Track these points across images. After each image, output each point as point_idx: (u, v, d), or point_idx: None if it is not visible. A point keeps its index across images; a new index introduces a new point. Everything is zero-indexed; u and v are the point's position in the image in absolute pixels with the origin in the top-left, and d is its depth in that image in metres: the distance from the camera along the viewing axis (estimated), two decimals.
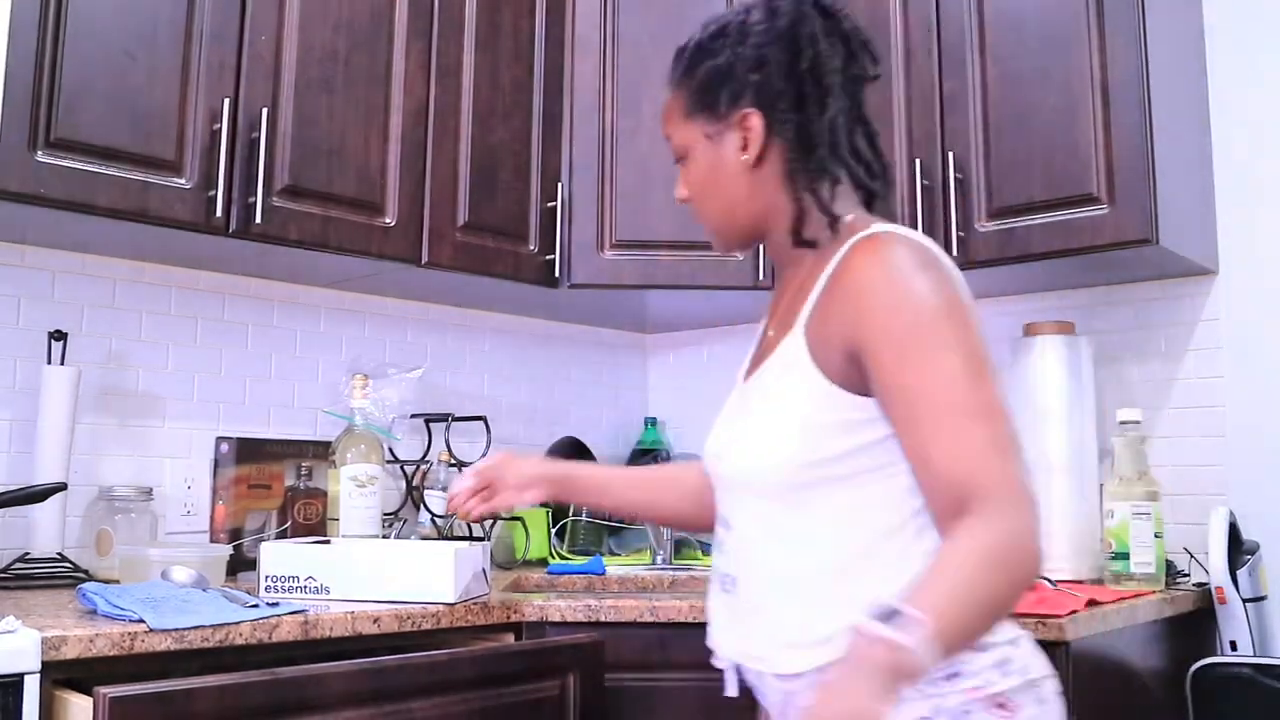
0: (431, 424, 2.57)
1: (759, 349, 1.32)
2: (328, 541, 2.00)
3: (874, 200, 1.31)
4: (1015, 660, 1.15)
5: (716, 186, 1.30)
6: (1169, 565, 2.06)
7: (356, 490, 2.16)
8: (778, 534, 1.20)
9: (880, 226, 1.22)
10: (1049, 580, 1.94)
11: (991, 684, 1.12)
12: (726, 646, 1.28)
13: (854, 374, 1.16)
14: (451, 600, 1.75)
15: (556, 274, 2.44)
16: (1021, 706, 1.14)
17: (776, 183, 1.27)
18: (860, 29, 1.30)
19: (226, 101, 1.95)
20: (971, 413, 1.09)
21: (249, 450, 2.26)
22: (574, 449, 2.89)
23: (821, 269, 1.22)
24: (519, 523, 2.59)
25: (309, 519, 2.20)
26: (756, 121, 1.26)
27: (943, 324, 1.13)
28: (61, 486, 1.80)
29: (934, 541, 1.13)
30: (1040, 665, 1.18)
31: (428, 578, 1.76)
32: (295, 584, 1.76)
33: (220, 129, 1.93)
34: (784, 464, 1.18)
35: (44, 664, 1.34)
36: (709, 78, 1.28)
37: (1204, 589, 2.05)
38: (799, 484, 1.18)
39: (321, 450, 2.29)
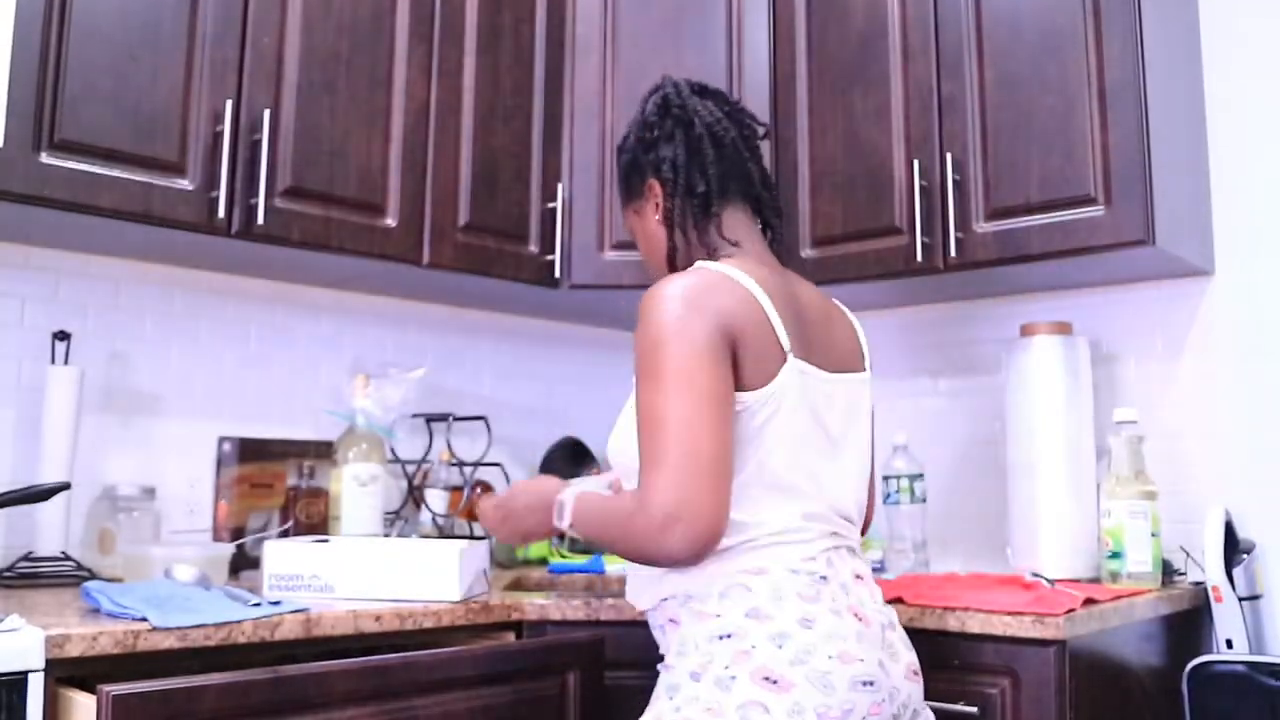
0: (432, 424, 2.58)
1: None
2: (328, 540, 2.01)
3: (770, 229, 1.65)
4: (797, 639, 1.34)
5: (650, 248, 1.65)
6: (1165, 564, 2.07)
7: (358, 489, 2.17)
8: None
9: (701, 263, 1.51)
10: (1046, 579, 1.95)
11: (761, 653, 1.33)
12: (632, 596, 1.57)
13: None
14: (456, 599, 1.76)
15: (557, 274, 2.45)
16: (794, 685, 1.31)
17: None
18: (737, 101, 1.67)
19: (229, 103, 1.96)
20: (654, 427, 1.38)
21: (251, 449, 2.27)
22: (574, 449, 2.90)
23: None
24: None
25: (311, 518, 2.21)
26: (657, 187, 1.61)
27: (658, 352, 1.39)
28: (65, 486, 1.81)
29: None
30: (834, 651, 1.35)
31: (433, 576, 1.77)
32: (299, 582, 1.77)
33: (222, 130, 1.95)
34: (623, 447, 1.52)
35: (48, 662, 1.35)
36: (625, 172, 1.66)
37: (1200, 587, 2.06)
38: (627, 463, 1.47)
39: (323, 450, 2.30)
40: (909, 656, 1.48)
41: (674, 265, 1.59)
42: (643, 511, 1.34)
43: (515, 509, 1.61)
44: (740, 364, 1.41)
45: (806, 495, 1.46)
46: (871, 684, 1.36)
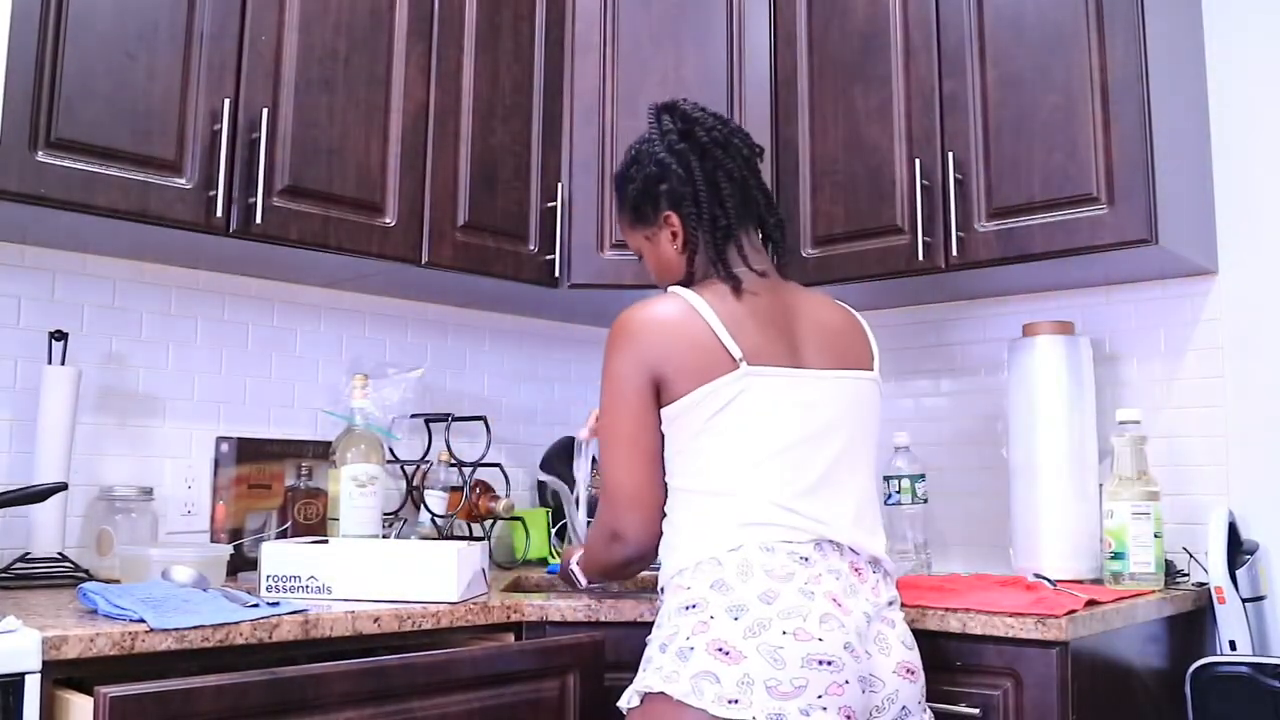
0: (431, 424, 2.57)
1: None
2: (326, 541, 2.00)
3: (773, 243, 1.75)
4: (753, 612, 1.41)
5: (664, 273, 1.74)
6: (1168, 565, 2.06)
7: (357, 490, 2.16)
8: None
9: (673, 289, 1.64)
10: (1048, 580, 1.95)
11: (718, 624, 1.40)
12: None
13: None
14: (454, 600, 1.75)
15: (556, 274, 2.44)
16: (745, 657, 1.37)
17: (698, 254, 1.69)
18: (729, 121, 1.73)
19: (227, 102, 1.95)
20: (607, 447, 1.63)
21: (249, 450, 2.26)
22: (574, 449, 2.88)
23: None
24: (519, 523, 2.59)
25: (309, 519, 2.20)
26: (675, 219, 1.69)
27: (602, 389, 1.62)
28: (62, 486, 1.80)
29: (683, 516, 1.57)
30: (792, 628, 1.39)
31: (430, 577, 1.76)
32: (297, 584, 1.76)
33: (220, 129, 1.94)
34: None
35: (45, 664, 1.34)
36: (634, 199, 1.73)
37: (1203, 589, 2.05)
38: None
39: (322, 450, 2.29)
40: (906, 655, 1.51)
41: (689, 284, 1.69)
42: (595, 533, 1.71)
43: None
44: (669, 383, 1.55)
45: (785, 485, 1.53)
46: (829, 664, 1.39)
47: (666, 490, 1.60)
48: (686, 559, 1.51)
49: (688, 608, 1.45)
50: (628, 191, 1.74)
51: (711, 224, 1.66)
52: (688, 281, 1.69)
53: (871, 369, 1.68)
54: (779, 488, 1.52)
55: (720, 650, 1.38)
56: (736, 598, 1.43)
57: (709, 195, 1.66)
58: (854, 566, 1.53)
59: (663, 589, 1.57)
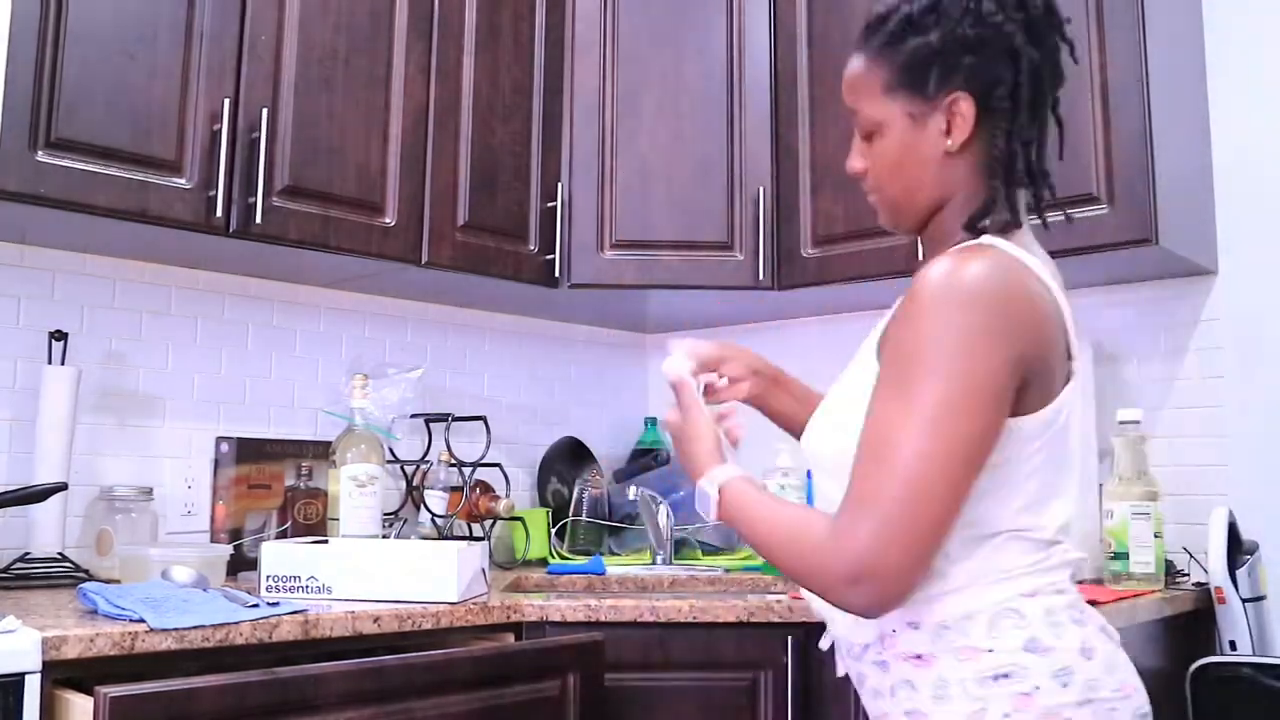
0: (431, 424, 2.57)
1: None
2: (326, 541, 2.00)
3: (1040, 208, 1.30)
4: (1080, 673, 1.13)
5: (905, 168, 1.24)
6: (1168, 565, 2.06)
7: (356, 490, 2.16)
8: None
9: (989, 239, 1.18)
10: None
11: (1044, 693, 1.12)
12: (831, 622, 1.29)
13: None
14: (454, 600, 1.75)
15: (556, 274, 2.44)
16: None
17: (969, 170, 1.23)
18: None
19: (226, 101, 1.95)
20: (884, 455, 1.10)
21: (249, 450, 2.26)
22: (574, 449, 2.89)
23: None
24: (519, 523, 2.59)
25: (309, 519, 2.20)
26: (967, 106, 1.19)
27: (929, 364, 1.09)
28: (62, 486, 1.80)
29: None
30: (1116, 684, 1.15)
31: (430, 577, 1.76)
32: (296, 584, 1.76)
33: (220, 129, 1.94)
34: (842, 447, 1.16)
35: (44, 664, 1.34)
36: (919, 54, 1.20)
37: (1203, 589, 2.05)
38: (833, 461, 1.20)
39: (321, 450, 2.29)
40: None
41: (969, 223, 1.21)
42: (833, 552, 1.10)
43: (679, 448, 1.32)
44: (1026, 389, 1.13)
45: (1066, 499, 1.21)
46: (1147, 715, 1.19)
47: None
48: (966, 609, 1.16)
49: (996, 677, 1.13)
50: (907, 41, 1.21)
51: (1020, 138, 1.21)
52: (979, 218, 1.21)
53: None
54: (1063, 508, 1.21)
55: None
56: (1059, 659, 1.13)
57: (1031, 97, 1.19)
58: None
59: (888, 642, 1.20)
